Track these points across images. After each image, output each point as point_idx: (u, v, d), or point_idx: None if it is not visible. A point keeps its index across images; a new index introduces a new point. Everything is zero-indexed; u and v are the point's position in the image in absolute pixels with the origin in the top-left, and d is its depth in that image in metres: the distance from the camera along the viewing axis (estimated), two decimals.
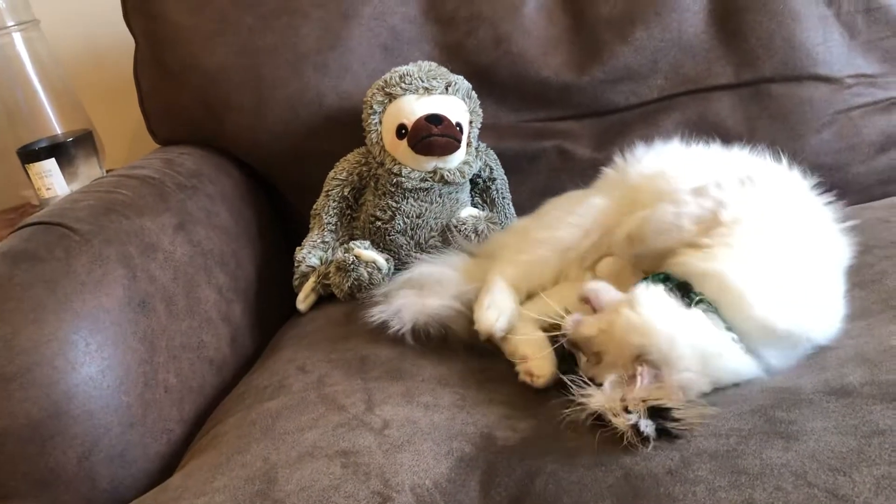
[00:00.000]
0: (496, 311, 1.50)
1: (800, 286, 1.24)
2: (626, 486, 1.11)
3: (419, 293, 1.65)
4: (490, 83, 2.06)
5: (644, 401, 1.19)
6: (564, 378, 1.28)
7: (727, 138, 1.71)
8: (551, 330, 1.49)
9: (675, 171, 1.52)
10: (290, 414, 1.42)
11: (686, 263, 1.28)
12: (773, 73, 2.01)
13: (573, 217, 1.59)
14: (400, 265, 1.91)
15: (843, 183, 1.88)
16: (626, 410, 1.18)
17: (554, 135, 2.11)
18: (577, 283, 1.56)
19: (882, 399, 1.14)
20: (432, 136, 1.84)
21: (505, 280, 1.57)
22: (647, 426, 1.16)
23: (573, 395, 1.28)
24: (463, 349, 1.57)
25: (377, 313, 1.64)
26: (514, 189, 2.07)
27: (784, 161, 1.50)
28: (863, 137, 2.00)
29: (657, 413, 1.18)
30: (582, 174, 2.01)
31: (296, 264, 1.98)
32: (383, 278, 1.87)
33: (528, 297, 1.60)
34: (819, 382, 1.20)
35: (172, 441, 1.52)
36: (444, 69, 1.96)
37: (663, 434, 1.16)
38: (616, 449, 1.16)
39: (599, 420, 1.20)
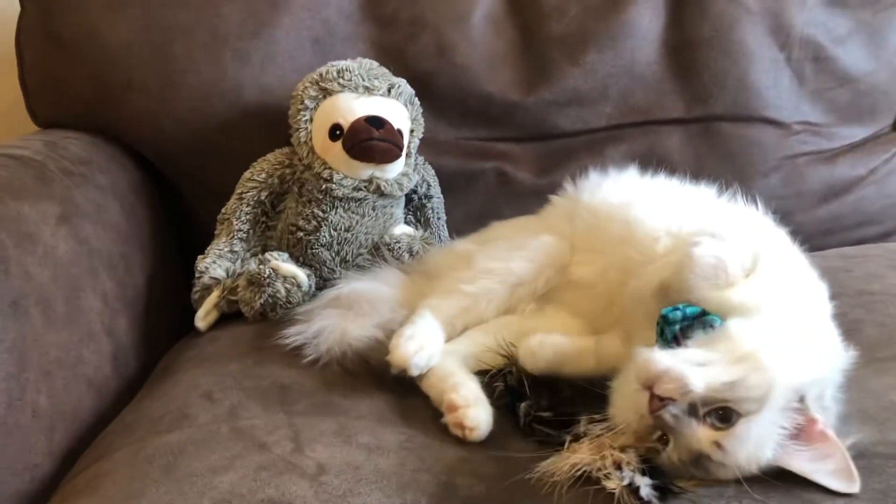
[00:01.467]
0: (416, 345, 1.31)
1: (815, 336, 1.12)
2: None
3: (343, 315, 1.45)
4: (430, 94, 1.89)
5: (638, 456, 1.03)
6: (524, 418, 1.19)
7: (674, 174, 1.60)
8: (504, 364, 1.33)
9: (647, 204, 1.41)
10: (196, 451, 1.16)
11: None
12: (724, 111, 1.95)
13: (526, 252, 1.46)
14: (321, 283, 1.68)
15: (787, 230, 1.82)
16: (618, 468, 1.01)
17: (494, 156, 1.96)
18: (519, 318, 1.45)
19: None
20: (372, 139, 1.63)
21: (436, 313, 1.40)
22: (646, 486, 0.99)
23: (539, 436, 1.17)
24: (398, 382, 1.36)
25: (293, 335, 1.44)
26: (449, 210, 1.91)
27: (741, 201, 1.43)
28: (808, 185, 1.97)
29: (652, 470, 1.03)
30: (521, 200, 1.90)
31: (196, 275, 1.71)
32: (302, 297, 1.63)
33: (463, 332, 1.43)
34: None
35: (38, 478, 1.25)
36: (385, 70, 1.77)
37: (663, 495, 1.01)
38: None
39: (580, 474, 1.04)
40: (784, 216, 1.42)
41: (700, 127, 1.96)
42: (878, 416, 1.14)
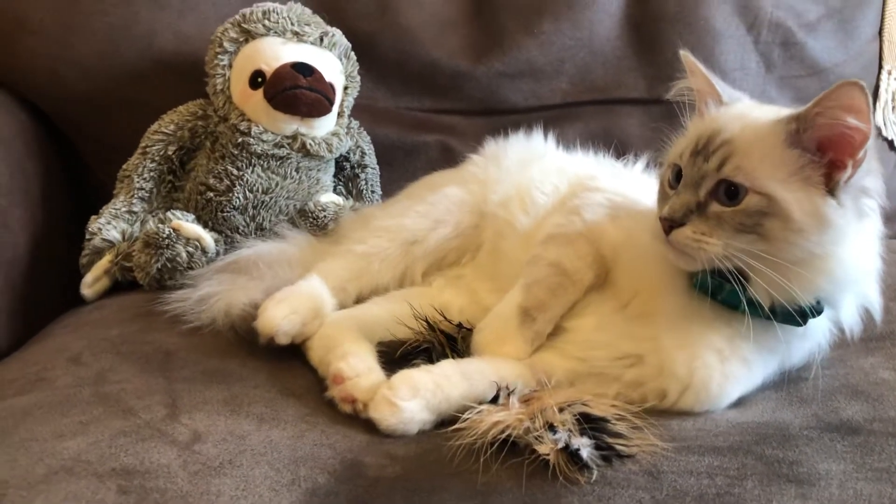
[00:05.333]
0: (287, 308, 1.12)
1: None
2: None
3: (233, 280, 1.25)
4: (370, 57, 1.71)
5: (567, 406, 0.84)
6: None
7: (633, 156, 1.43)
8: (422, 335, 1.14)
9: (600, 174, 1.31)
10: (45, 414, 0.97)
11: None
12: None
13: (423, 205, 1.31)
14: (232, 252, 1.46)
15: None
16: (550, 428, 0.83)
17: (438, 128, 1.78)
18: (427, 290, 1.28)
19: None
20: (298, 88, 1.44)
21: (326, 277, 1.22)
22: (585, 447, 0.80)
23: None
24: None
25: (175, 301, 1.25)
26: (386, 184, 1.71)
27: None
28: None
29: (590, 426, 0.88)
30: None
31: (87, 237, 1.48)
32: (207, 264, 1.40)
33: (361, 300, 1.25)
34: (807, 417, 0.96)
35: None
36: (319, 17, 1.58)
37: (607, 455, 0.85)
38: (548, 484, 0.82)
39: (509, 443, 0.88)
40: None
41: (661, 108, 1.78)
42: (870, 392, 0.99)
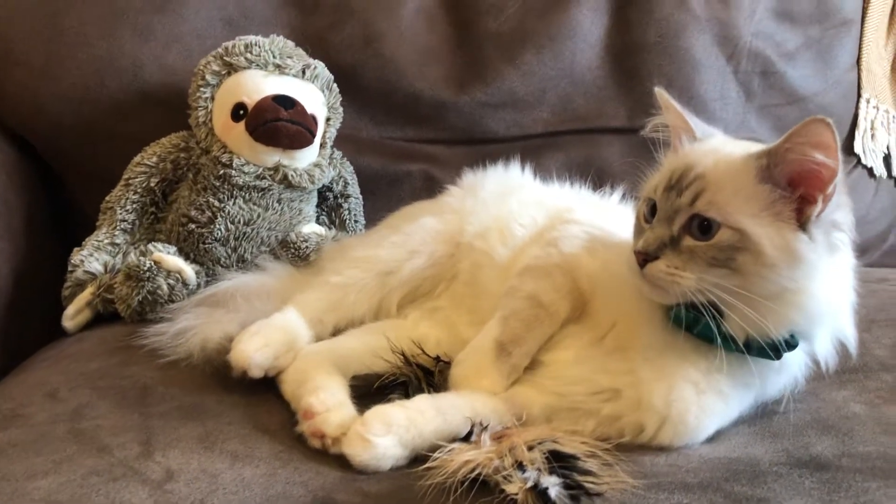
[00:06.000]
0: (260, 341, 1.12)
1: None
2: None
3: (210, 314, 1.24)
4: (353, 87, 1.73)
5: (538, 444, 0.85)
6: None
7: (613, 186, 1.44)
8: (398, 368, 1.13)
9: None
10: (19, 453, 0.97)
11: None
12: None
13: (399, 236, 1.31)
14: (213, 284, 1.46)
15: None
16: (520, 466, 0.84)
17: (421, 158, 1.79)
18: (404, 322, 1.27)
19: (873, 475, 0.89)
20: (280, 120, 1.45)
21: (302, 309, 1.22)
22: (553, 486, 0.81)
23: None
24: None
25: (151, 335, 1.24)
26: (370, 213, 1.71)
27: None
28: None
29: (559, 464, 0.88)
30: None
31: (69, 269, 1.48)
32: (188, 296, 1.41)
33: (338, 331, 1.25)
34: (778, 452, 0.96)
35: None
36: (301, 50, 1.59)
37: (577, 495, 0.85)
38: None
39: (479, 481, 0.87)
40: None
41: (642, 138, 1.82)
42: (840, 427, 1.00)
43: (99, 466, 0.92)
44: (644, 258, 0.95)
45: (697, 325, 0.96)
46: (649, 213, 0.99)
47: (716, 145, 1.03)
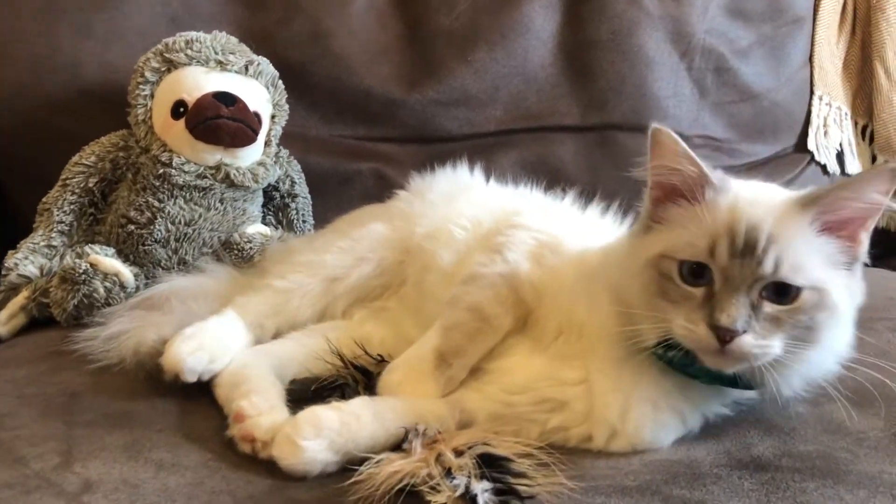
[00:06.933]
0: (194, 345, 1.09)
1: None
2: None
3: (144, 318, 1.20)
4: (302, 85, 1.70)
5: (468, 448, 0.84)
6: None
7: (567, 185, 1.42)
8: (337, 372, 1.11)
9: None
10: None
11: None
12: (621, 119, 1.80)
13: (346, 241, 1.27)
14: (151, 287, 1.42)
15: None
16: (448, 473, 0.83)
17: (373, 156, 1.77)
18: (348, 323, 1.25)
19: (811, 474, 0.87)
20: (220, 118, 1.41)
21: (242, 312, 1.19)
22: (484, 493, 0.79)
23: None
24: None
25: (83, 340, 1.20)
26: (319, 213, 1.68)
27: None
28: None
29: (491, 469, 0.85)
30: None
31: (3, 272, 1.43)
32: (126, 300, 1.36)
33: (279, 336, 1.21)
34: (719, 454, 0.94)
35: None
36: (245, 46, 1.56)
37: (508, 500, 0.83)
38: None
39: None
40: None
41: (595, 136, 1.81)
42: (783, 427, 0.98)
43: (12, 479, 0.88)
44: (731, 335, 0.85)
45: (691, 367, 0.92)
46: (690, 275, 0.90)
47: (756, 196, 0.94)
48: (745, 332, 0.85)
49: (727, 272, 0.87)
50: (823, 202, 0.89)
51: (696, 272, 0.89)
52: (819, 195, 0.89)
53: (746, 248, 0.87)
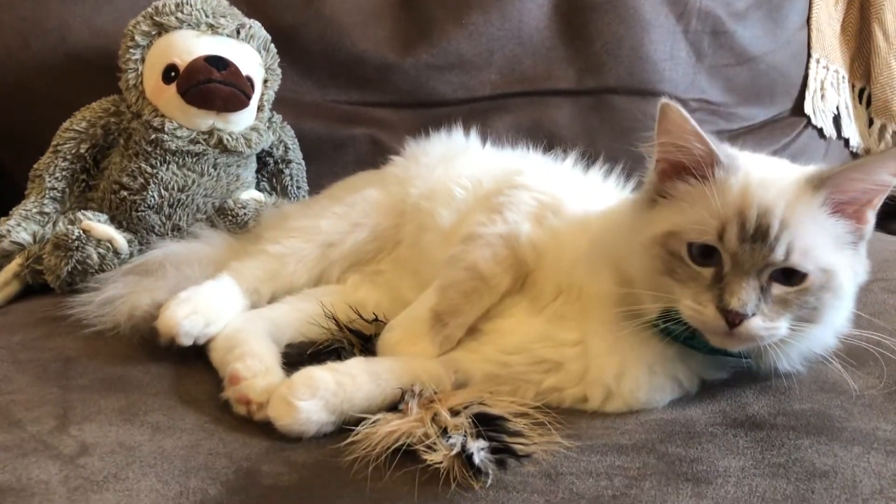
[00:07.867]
0: (189, 308, 1.09)
1: None
2: None
3: (138, 283, 1.20)
4: (294, 49, 1.68)
5: (464, 408, 0.85)
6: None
7: (564, 149, 1.40)
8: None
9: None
10: None
11: None
12: (617, 83, 1.79)
13: (341, 207, 1.27)
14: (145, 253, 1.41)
15: None
16: (444, 433, 0.83)
17: (367, 121, 1.75)
18: (342, 287, 1.25)
19: (806, 432, 0.88)
20: (212, 81, 1.39)
21: (238, 277, 1.19)
22: (480, 452, 0.79)
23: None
24: None
25: (77, 305, 1.20)
26: (314, 179, 1.67)
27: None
28: None
29: (486, 427, 0.86)
30: None
31: None
32: (119, 265, 1.36)
33: (275, 301, 1.21)
34: (714, 413, 0.95)
35: None
36: (236, 9, 1.54)
37: (504, 459, 0.83)
38: (442, 491, 0.80)
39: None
40: None
41: (592, 99, 1.80)
42: (778, 386, 0.98)
43: (8, 442, 0.88)
44: (740, 318, 0.85)
45: (692, 340, 0.92)
46: (700, 255, 0.88)
47: (766, 176, 0.92)
48: (753, 314, 0.85)
49: (737, 256, 0.86)
50: (834, 182, 0.88)
51: (705, 253, 0.88)
52: (830, 175, 0.88)
53: (758, 234, 0.86)
